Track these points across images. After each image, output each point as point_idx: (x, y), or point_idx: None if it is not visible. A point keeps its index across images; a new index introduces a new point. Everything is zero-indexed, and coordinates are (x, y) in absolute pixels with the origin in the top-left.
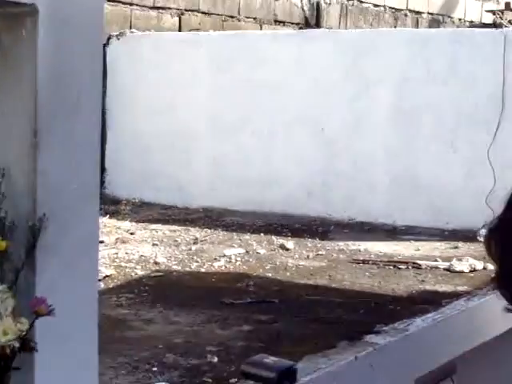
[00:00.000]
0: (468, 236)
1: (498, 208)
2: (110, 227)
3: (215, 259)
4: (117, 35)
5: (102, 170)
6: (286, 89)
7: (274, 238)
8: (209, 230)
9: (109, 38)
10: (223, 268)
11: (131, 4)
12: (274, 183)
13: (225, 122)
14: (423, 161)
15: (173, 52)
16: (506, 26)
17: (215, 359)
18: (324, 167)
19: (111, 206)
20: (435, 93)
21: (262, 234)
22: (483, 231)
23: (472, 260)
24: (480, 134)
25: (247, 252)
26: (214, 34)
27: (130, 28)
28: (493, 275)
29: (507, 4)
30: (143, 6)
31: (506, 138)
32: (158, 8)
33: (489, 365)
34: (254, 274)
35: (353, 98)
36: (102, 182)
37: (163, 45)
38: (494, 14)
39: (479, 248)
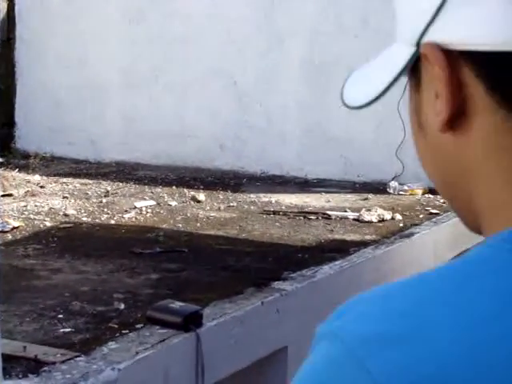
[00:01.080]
0: (378, 188)
1: (408, 160)
2: (19, 181)
3: (126, 211)
4: None
5: (12, 124)
6: (199, 42)
7: (185, 190)
8: (120, 184)
9: None
10: (133, 220)
11: None
12: (186, 137)
13: (137, 76)
14: (335, 114)
15: (84, 4)
16: None
17: (122, 306)
18: (236, 121)
19: (21, 160)
20: (347, 46)
21: (173, 187)
22: (393, 183)
23: (381, 210)
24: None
25: (158, 204)
26: None
27: None
28: None
29: None
30: None
31: None
32: None
33: None
34: (165, 225)
35: (265, 51)
36: (12, 137)
37: None
38: None
39: (388, 199)
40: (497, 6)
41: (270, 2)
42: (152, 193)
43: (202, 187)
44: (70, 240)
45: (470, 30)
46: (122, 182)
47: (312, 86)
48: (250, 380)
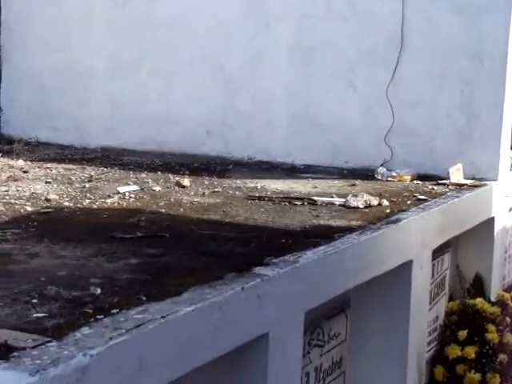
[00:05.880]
0: (366, 174)
1: (396, 146)
2: (2, 166)
3: (108, 196)
4: None
5: None
6: (185, 26)
7: (170, 176)
8: (105, 169)
9: None
10: (116, 204)
11: None
12: (172, 122)
13: (123, 60)
14: (322, 99)
15: None
16: None
17: (98, 291)
18: (223, 106)
19: (5, 145)
20: (335, 30)
21: (159, 173)
22: (381, 169)
23: (367, 196)
24: (379, 72)
25: (142, 189)
26: None
27: None
28: None
29: None
30: None
31: (404, 76)
32: None
33: (382, 300)
34: (147, 210)
35: (252, 35)
36: None
37: None
38: None
39: (376, 185)
40: None
41: None
42: (136, 178)
43: (187, 173)
44: (50, 225)
45: None
46: (106, 167)
47: (300, 71)
48: (231, 367)
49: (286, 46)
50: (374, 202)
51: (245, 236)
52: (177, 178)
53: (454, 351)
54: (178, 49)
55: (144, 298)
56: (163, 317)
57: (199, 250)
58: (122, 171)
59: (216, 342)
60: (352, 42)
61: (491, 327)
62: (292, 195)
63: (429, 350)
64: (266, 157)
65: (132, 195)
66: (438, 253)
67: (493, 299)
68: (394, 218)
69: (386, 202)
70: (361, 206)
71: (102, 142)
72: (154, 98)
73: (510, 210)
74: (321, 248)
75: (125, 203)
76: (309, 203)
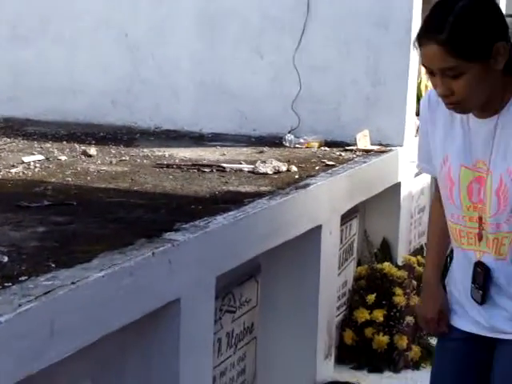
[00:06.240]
0: (274, 142)
1: (303, 113)
2: None
3: (13, 166)
4: None
5: None
6: None
7: (76, 145)
8: (8, 140)
9: None
10: (21, 174)
11: None
12: (77, 92)
13: (24, 28)
14: (229, 67)
15: None
16: None
17: (5, 259)
18: (128, 75)
19: None
20: None
21: (64, 142)
22: (289, 136)
23: (276, 162)
24: (285, 40)
25: (47, 159)
26: None
27: None
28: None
29: None
30: None
31: (310, 43)
32: None
33: (292, 265)
34: (53, 180)
35: (157, 1)
36: None
37: None
38: None
39: (284, 152)
40: None
41: None
42: (41, 148)
43: (93, 142)
44: None
45: None
46: (9, 137)
47: (206, 39)
48: (143, 333)
49: (192, 13)
50: (283, 167)
51: (154, 203)
52: (83, 148)
53: (362, 315)
54: (80, 16)
55: (53, 265)
56: (73, 283)
57: (108, 218)
58: (25, 141)
59: (128, 307)
60: (258, 8)
61: (398, 291)
62: (200, 163)
63: (338, 315)
64: (172, 126)
65: (37, 165)
66: (346, 218)
67: (399, 263)
68: (302, 183)
69: (294, 168)
70: (269, 172)
71: (4, 112)
72: (57, 66)
73: (415, 176)
74: (231, 213)
75: (30, 173)
76: (217, 170)
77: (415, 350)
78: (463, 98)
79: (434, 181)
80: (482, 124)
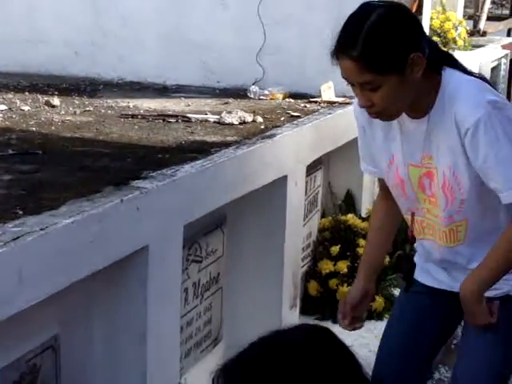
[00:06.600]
0: (239, 94)
1: (268, 65)
2: None
3: None
4: None
5: None
6: None
7: (39, 96)
8: None
9: None
10: None
11: None
12: (38, 42)
13: None
14: (193, 18)
15: None
16: None
17: None
18: (91, 25)
19: None
20: None
21: (26, 93)
22: (253, 87)
23: (242, 113)
24: None
25: (10, 109)
26: None
27: None
28: None
29: None
30: None
31: None
32: None
33: (258, 215)
34: (17, 129)
35: None
36: None
37: None
38: None
39: (249, 104)
40: None
41: None
42: (3, 98)
43: (56, 93)
44: None
45: None
46: None
47: None
48: (112, 279)
49: None
50: (249, 118)
51: (120, 152)
52: (46, 98)
53: (326, 266)
54: None
55: (20, 212)
56: (42, 229)
57: (74, 166)
58: None
59: (97, 254)
60: None
61: (362, 242)
62: (166, 113)
63: (302, 266)
64: (136, 78)
65: (0, 115)
66: (310, 170)
67: (363, 215)
68: (268, 133)
69: (260, 119)
70: (235, 123)
71: None
72: (17, 16)
73: None
74: (198, 162)
75: None
76: (183, 120)
77: (379, 301)
78: (384, 109)
79: (379, 181)
80: (415, 124)
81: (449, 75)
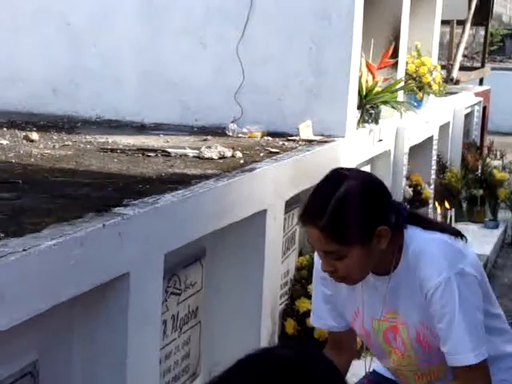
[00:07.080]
0: (217, 131)
1: (246, 104)
2: None
3: None
4: None
5: None
6: None
7: (17, 132)
8: None
9: None
10: None
11: None
12: (17, 80)
13: None
14: (172, 57)
15: None
16: None
17: None
18: (70, 63)
19: None
20: None
21: (4, 129)
22: (232, 125)
23: (221, 147)
24: (229, 30)
25: None
26: None
27: None
28: None
29: None
30: None
31: (254, 34)
32: None
33: (237, 249)
34: None
35: None
36: None
37: None
38: None
39: (228, 140)
40: None
41: None
42: None
43: (34, 129)
44: None
45: None
46: None
47: (149, 28)
48: (92, 305)
49: (135, 3)
50: (228, 153)
51: (100, 182)
52: (24, 134)
53: (304, 305)
54: (21, 3)
55: (2, 235)
56: (25, 250)
57: (55, 194)
58: None
59: (78, 278)
60: None
61: None
62: (145, 148)
63: (280, 304)
64: (114, 116)
65: None
66: (289, 207)
67: None
68: (248, 167)
69: (239, 154)
70: (215, 157)
71: None
72: None
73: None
74: (179, 192)
75: None
76: (162, 155)
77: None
78: (347, 275)
79: (329, 334)
80: (379, 281)
81: (412, 233)
